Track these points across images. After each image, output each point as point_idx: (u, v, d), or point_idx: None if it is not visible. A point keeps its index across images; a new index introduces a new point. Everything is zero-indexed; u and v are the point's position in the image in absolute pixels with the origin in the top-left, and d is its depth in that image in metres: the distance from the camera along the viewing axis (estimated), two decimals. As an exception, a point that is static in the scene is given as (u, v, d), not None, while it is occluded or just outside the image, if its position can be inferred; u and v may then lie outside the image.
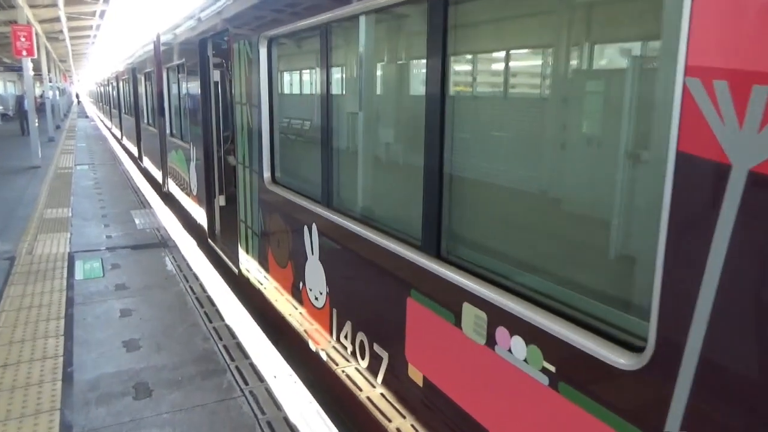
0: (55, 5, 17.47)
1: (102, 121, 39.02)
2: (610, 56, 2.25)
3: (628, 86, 2.01)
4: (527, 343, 2.13)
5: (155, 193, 11.59)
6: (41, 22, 20.92)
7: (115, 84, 23.86)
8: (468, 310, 2.45)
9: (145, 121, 13.71)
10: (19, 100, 24.98)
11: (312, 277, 4.10)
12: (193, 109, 7.73)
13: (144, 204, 10.18)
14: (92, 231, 8.15)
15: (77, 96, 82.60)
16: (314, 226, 4.00)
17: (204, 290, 5.74)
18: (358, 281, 3.54)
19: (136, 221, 8.79)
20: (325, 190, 3.95)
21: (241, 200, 5.60)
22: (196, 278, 6.08)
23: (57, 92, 37.91)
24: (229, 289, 5.91)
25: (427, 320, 2.77)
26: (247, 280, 5.72)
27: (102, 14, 22.17)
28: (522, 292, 2.27)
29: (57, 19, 20.39)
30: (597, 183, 2.19)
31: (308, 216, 4.07)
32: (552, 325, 2.01)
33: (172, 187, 10.22)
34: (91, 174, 13.84)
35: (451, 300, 2.57)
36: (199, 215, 7.90)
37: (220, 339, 4.59)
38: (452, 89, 2.73)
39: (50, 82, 28.91)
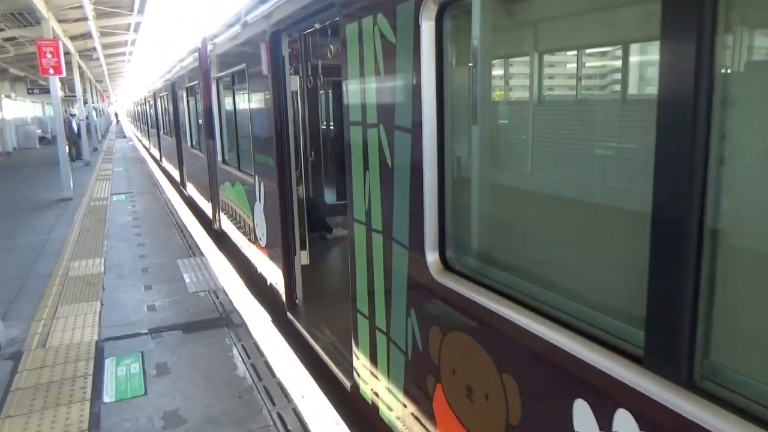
0: (85, 19, 15.86)
1: (140, 140, 37.95)
2: None
3: None
4: None
5: (204, 230, 9.59)
6: (73, 39, 19.49)
7: (152, 102, 22.30)
8: None
9: (189, 142, 11.79)
10: (67, 123, 22.99)
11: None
12: (260, 131, 5.65)
13: (192, 249, 8.16)
14: (130, 297, 6.12)
15: (116, 115, 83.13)
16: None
17: (302, 422, 3.58)
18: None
19: (186, 278, 6.75)
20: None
21: (372, 288, 3.35)
22: (286, 398, 3.92)
23: (94, 113, 37.02)
24: (338, 416, 3.75)
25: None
26: (377, 409, 3.48)
27: (137, 27, 20.66)
28: None
29: (89, 35, 18.90)
30: None
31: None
32: None
33: (227, 227, 8.19)
34: (128, 206, 11.99)
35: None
36: (270, 272, 5.80)
37: None
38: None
39: (85, 103, 27.70)
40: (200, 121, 10.29)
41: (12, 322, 5.43)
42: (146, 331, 5.17)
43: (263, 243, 5.95)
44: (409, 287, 2.86)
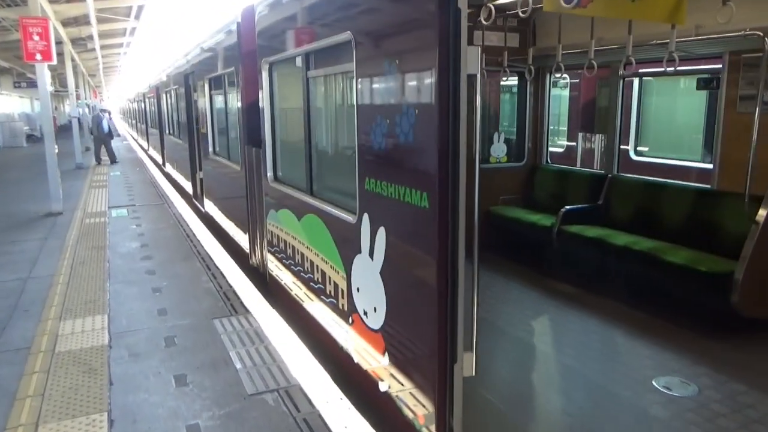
0: (82, -1, 13.48)
1: (135, 140, 35.42)
2: None
3: None
4: None
5: (236, 264, 7.26)
6: (66, 25, 17.08)
7: (153, 98, 19.89)
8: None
9: (211, 149, 9.44)
10: (97, 120, 19.63)
11: None
12: (382, 142, 3.37)
13: (230, 298, 5.85)
14: (155, 405, 3.82)
15: (109, 113, 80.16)
16: None
17: None
18: None
19: (236, 360, 4.46)
20: None
21: None
22: None
23: (87, 109, 34.49)
24: None
25: None
26: None
27: (138, 14, 18.28)
28: None
29: (83, 21, 16.50)
30: None
31: None
32: None
33: (280, 272, 5.90)
34: (132, 225, 9.64)
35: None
36: (390, 376, 3.54)
37: None
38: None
39: (78, 99, 25.23)
40: (230, 123, 7.97)
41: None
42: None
43: (374, 324, 3.67)
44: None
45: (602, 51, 5.20)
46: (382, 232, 3.45)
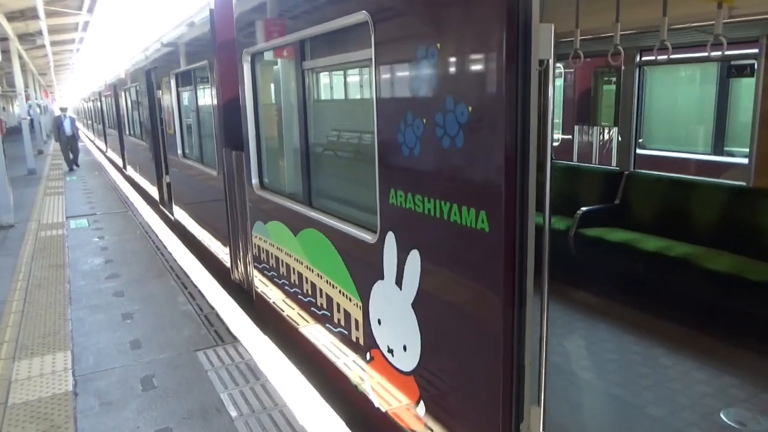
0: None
1: (92, 142, 33.75)
2: None
3: None
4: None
5: (218, 282, 6.51)
6: (11, 19, 15.78)
7: (111, 97, 18.70)
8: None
9: (180, 151, 8.60)
10: (58, 122, 17.83)
11: None
12: (413, 147, 2.73)
13: (216, 327, 5.13)
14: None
15: (71, 117, 76.71)
16: None
17: None
18: None
19: (228, 405, 3.77)
20: None
21: None
22: None
23: (38, 110, 32.65)
24: None
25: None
26: None
27: (91, 6, 17.05)
28: None
29: (33, 14, 15.26)
30: None
31: None
32: None
33: (270, 291, 5.22)
34: (94, 238, 8.74)
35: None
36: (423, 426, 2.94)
37: None
38: None
39: (28, 99, 23.71)
40: (203, 123, 7.20)
41: None
42: None
43: (404, 365, 3.04)
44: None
45: (626, 36, 4.66)
46: (415, 257, 2.81)
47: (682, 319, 4.63)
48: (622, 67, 5.74)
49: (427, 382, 2.86)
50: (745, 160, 6.70)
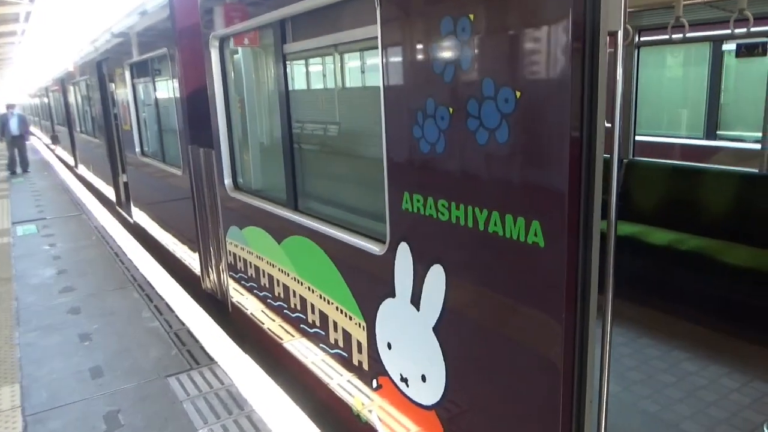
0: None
1: (39, 139, 31.97)
2: None
3: None
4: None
5: (187, 292, 5.90)
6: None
7: (59, 92, 17.54)
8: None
9: (138, 148, 7.89)
10: (3, 120, 15.88)
11: None
12: (455, 143, 2.27)
13: (188, 347, 4.57)
14: None
15: (19, 115, 72.68)
16: None
17: None
18: None
19: (210, 445, 3.25)
20: None
21: None
22: None
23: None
24: None
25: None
26: None
27: (32, -4, 15.83)
28: None
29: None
30: None
31: None
32: None
33: (248, 303, 4.69)
34: (44, 245, 7.97)
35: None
36: None
37: None
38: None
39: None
40: (164, 118, 6.56)
41: None
42: None
43: (423, 398, 2.59)
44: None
45: (691, 6, 4.23)
46: (437, 273, 2.36)
47: (700, 318, 4.32)
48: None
49: (455, 420, 2.42)
50: (742, 145, 6.53)
